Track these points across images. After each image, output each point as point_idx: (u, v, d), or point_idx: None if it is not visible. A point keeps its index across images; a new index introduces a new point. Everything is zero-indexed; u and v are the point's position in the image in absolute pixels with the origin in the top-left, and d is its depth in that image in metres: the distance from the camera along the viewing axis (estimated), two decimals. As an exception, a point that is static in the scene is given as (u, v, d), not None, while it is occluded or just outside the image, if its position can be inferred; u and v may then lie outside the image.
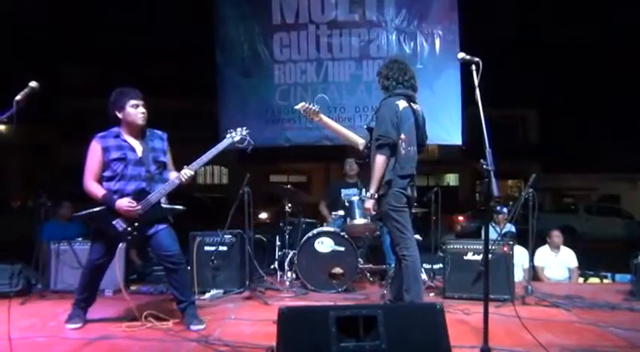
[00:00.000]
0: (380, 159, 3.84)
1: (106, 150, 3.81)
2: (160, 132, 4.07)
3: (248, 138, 4.20)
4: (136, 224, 3.78)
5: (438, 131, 7.15)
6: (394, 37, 7.34)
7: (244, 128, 4.21)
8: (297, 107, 4.06)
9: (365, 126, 4.15)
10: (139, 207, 3.75)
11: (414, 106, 4.03)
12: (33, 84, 3.15)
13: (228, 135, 4.17)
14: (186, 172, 3.87)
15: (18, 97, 3.07)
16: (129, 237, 3.81)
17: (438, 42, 7.30)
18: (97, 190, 3.77)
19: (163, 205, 3.88)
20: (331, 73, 7.45)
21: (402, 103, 3.92)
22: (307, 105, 3.97)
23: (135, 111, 3.84)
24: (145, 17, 19.11)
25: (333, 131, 4.45)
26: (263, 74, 7.55)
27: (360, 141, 4.25)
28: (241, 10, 7.63)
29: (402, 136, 3.87)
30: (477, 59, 3.24)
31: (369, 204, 3.91)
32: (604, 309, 4.50)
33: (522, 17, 19.92)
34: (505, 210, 6.48)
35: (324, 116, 4.12)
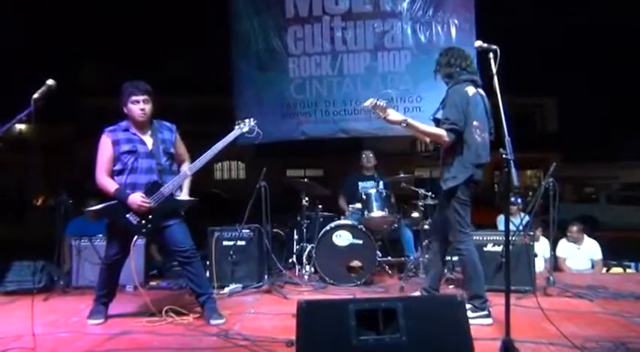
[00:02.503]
0: (443, 135, 3.66)
1: (116, 143, 3.82)
2: (168, 124, 4.06)
3: (257, 128, 4.17)
4: (150, 217, 3.78)
5: None
6: (409, 27, 7.28)
7: (252, 119, 4.19)
8: (365, 104, 3.80)
9: (430, 118, 3.96)
10: (152, 200, 3.76)
11: (481, 92, 3.87)
12: (50, 82, 3.17)
13: (236, 127, 4.13)
14: (201, 160, 3.88)
15: (36, 95, 3.10)
16: (143, 230, 3.81)
17: (454, 31, 7.21)
18: (109, 185, 3.78)
19: (177, 197, 3.90)
20: (346, 66, 7.42)
21: (471, 89, 3.79)
22: (375, 101, 3.75)
23: (134, 107, 3.82)
24: (162, 13, 19.22)
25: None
26: (278, 68, 7.55)
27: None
28: (255, 4, 7.63)
29: (475, 123, 3.72)
30: (494, 47, 3.18)
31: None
32: (628, 299, 4.43)
33: (539, 3, 19.60)
34: (519, 200, 6.39)
35: (392, 111, 3.83)
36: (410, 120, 3.74)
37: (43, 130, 21.42)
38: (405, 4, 7.27)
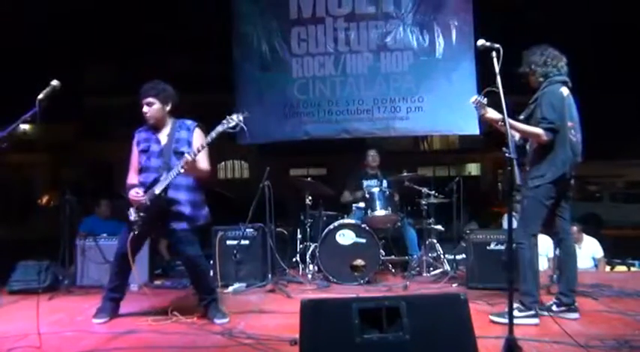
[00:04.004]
0: (541, 134, 3.66)
1: (137, 143, 4.01)
2: (188, 123, 4.03)
3: (242, 124, 3.74)
4: (142, 214, 3.81)
5: (456, 121, 7.23)
6: (411, 29, 7.30)
7: (241, 113, 3.77)
8: (470, 101, 3.78)
9: (522, 118, 3.89)
10: (145, 197, 3.79)
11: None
12: (54, 83, 3.19)
13: (224, 121, 3.77)
14: (187, 157, 3.67)
15: (40, 96, 3.12)
16: (134, 227, 3.84)
17: (454, 33, 7.24)
18: (128, 182, 3.97)
19: (167, 197, 3.79)
20: (349, 66, 7.43)
21: (565, 90, 3.83)
22: (479, 98, 3.73)
23: (143, 110, 3.96)
24: (166, 13, 19.23)
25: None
26: (281, 68, 7.55)
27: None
28: (259, 5, 7.64)
29: (570, 123, 3.78)
30: (497, 45, 3.19)
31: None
32: (633, 298, 4.43)
33: (542, 2, 19.53)
34: None
35: (491, 109, 3.77)
36: (508, 119, 3.73)
37: (48, 130, 21.50)
38: (406, 7, 7.29)
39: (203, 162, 3.85)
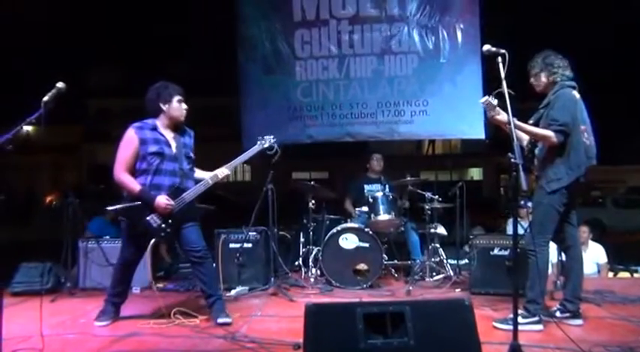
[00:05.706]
0: (551, 136, 3.66)
1: (143, 142, 3.80)
2: (188, 129, 4.10)
3: (276, 146, 4.32)
4: (170, 221, 3.80)
5: (460, 125, 7.18)
6: (416, 31, 7.26)
7: (272, 136, 4.32)
8: (480, 100, 3.78)
9: (531, 122, 3.87)
10: (175, 205, 3.79)
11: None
12: (60, 85, 3.19)
13: (258, 142, 4.27)
14: (223, 171, 4.00)
15: (46, 98, 3.11)
16: (162, 234, 3.82)
17: (459, 36, 7.19)
18: (132, 184, 3.77)
19: (196, 205, 3.95)
20: (353, 69, 7.40)
21: (577, 94, 3.85)
22: (489, 99, 3.69)
23: (180, 106, 3.91)
24: (170, 15, 19.28)
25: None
26: (284, 71, 7.54)
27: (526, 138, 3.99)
28: (262, 7, 7.63)
29: (582, 127, 3.78)
30: (502, 51, 3.19)
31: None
32: (636, 304, 4.41)
33: (547, 5, 19.53)
34: (529, 204, 6.38)
35: (500, 110, 3.72)
36: (516, 121, 3.63)
37: (51, 132, 21.55)
38: (411, 9, 7.25)
39: None
